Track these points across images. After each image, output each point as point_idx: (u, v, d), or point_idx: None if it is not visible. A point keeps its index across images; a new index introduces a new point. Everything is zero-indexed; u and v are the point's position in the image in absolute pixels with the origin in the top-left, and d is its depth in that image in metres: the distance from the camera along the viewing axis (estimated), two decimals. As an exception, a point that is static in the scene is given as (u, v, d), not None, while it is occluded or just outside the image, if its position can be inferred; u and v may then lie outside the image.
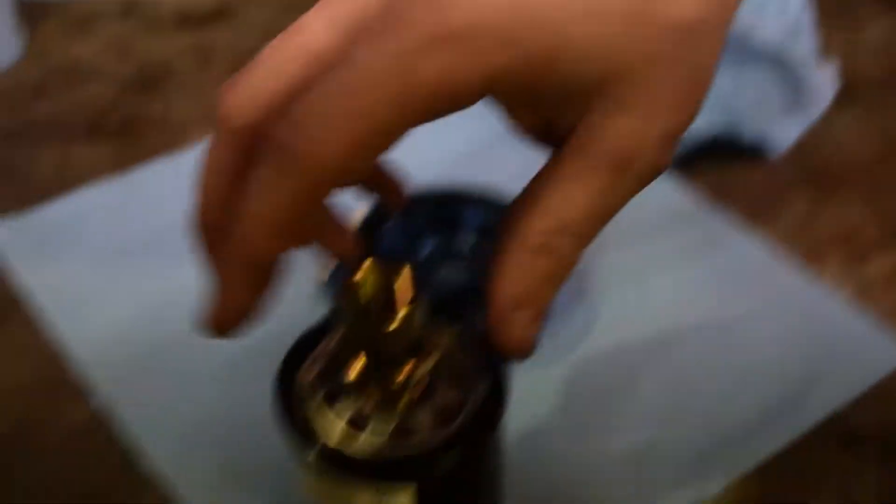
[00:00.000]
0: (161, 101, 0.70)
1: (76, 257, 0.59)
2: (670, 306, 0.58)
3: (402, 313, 0.39)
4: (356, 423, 0.40)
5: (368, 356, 0.40)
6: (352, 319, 0.40)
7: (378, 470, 0.39)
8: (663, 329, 0.57)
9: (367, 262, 0.39)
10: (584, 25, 0.33)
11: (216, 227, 0.37)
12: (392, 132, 0.32)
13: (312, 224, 0.40)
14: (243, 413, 0.49)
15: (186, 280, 0.54)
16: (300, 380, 0.42)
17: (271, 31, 0.72)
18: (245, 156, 0.36)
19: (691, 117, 0.35)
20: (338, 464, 0.39)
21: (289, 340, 0.43)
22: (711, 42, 0.36)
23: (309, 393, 0.41)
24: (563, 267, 0.37)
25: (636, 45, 0.34)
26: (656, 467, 0.50)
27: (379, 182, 0.44)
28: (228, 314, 0.38)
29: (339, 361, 0.42)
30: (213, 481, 0.49)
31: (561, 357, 0.55)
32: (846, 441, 0.51)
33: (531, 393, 0.47)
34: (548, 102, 0.35)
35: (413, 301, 0.39)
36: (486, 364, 0.42)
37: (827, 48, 0.74)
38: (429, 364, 0.42)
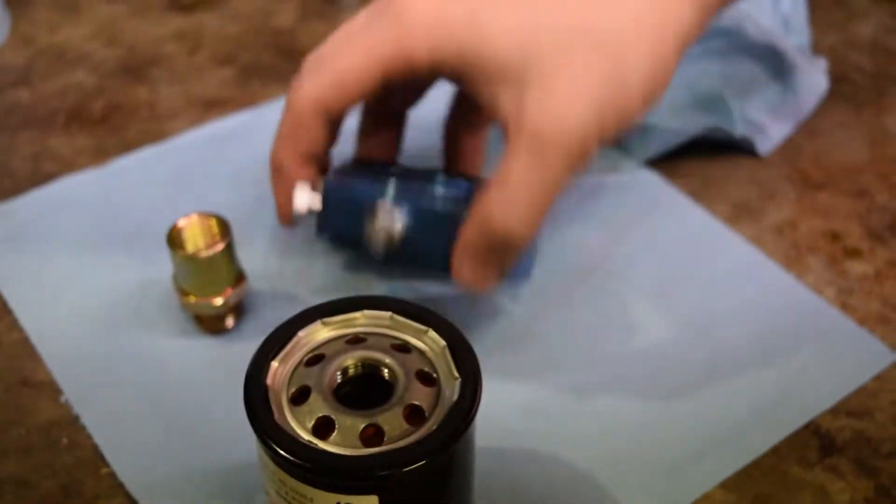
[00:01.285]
0: (148, 89, 0.69)
1: (49, 250, 0.59)
2: (650, 305, 0.58)
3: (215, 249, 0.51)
4: (321, 428, 0.40)
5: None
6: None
7: (340, 475, 0.39)
8: (641, 330, 0.57)
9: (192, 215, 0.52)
10: (506, 34, 0.47)
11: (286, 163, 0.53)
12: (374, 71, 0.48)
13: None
14: (222, 416, 0.49)
15: (163, 278, 0.55)
16: (270, 377, 0.42)
17: (258, 17, 0.72)
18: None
19: (586, 102, 0.45)
20: (301, 467, 0.38)
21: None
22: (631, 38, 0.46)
23: (277, 392, 0.41)
24: (507, 236, 0.47)
25: (547, 40, 0.46)
26: (624, 478, 0.49)
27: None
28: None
29: (310, 360, 0.42)
30: (176, 484, 0.48)
31: (533, 359, 0.55)
32: (821, 450, 0.52)
33: (500, 399, 0.47)
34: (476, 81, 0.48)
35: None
36: (458, 364, 0.42)
37: (818, 43, 0.74)
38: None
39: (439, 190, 0.52)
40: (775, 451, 0.51)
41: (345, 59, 0.49)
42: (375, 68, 0.48)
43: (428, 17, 0.46)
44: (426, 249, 0.52)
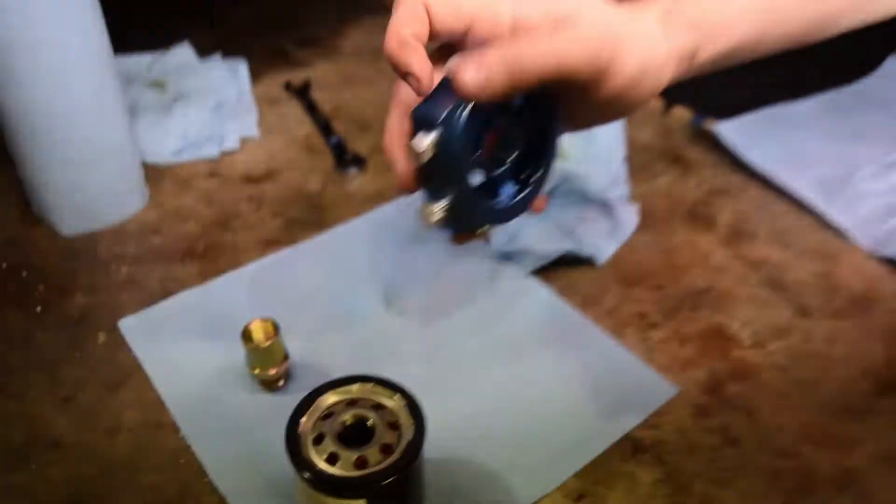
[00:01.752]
0: (231, 234, 0.69)
1: (173, 339, 0.59)
2: (521, 361, 0.58)
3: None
4: (331, 459, 0.41)
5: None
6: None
7: (341, 488, 0.41)
8: (517, 380, 0.57)
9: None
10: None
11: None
12: None
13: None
14: (270, 446, 0.49)
15: (240, 358, 0.55)
16: (301, 428, 0.42)
17: (297, 185, 0.72)
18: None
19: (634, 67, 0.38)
20: (319, 484, 0.40)
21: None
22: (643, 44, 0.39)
23: (305, 436, 0.42)
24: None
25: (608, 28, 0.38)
26: (517, 473, 0.51)
27: None
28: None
29: (325, 415, 0.44)
30: (250, 485, 0.50)
31: (454, 402, 0.55)
32: (633, 450, 0.53)
33: (436, 429, 0.46)
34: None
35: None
36: (412, 416, 0.43)
37: (634, 193, 0.74)
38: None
39: None
40: (606, 453, 0.52)
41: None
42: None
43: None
44: None
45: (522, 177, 0.41)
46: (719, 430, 0.53)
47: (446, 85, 0.37)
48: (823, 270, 0.67)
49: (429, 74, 0.38)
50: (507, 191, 0.41)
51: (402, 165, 0.40)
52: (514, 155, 0.41)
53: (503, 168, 0.40)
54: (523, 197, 0.41)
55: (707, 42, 0.41)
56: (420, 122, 0.37)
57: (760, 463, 0.51)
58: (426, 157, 0.37)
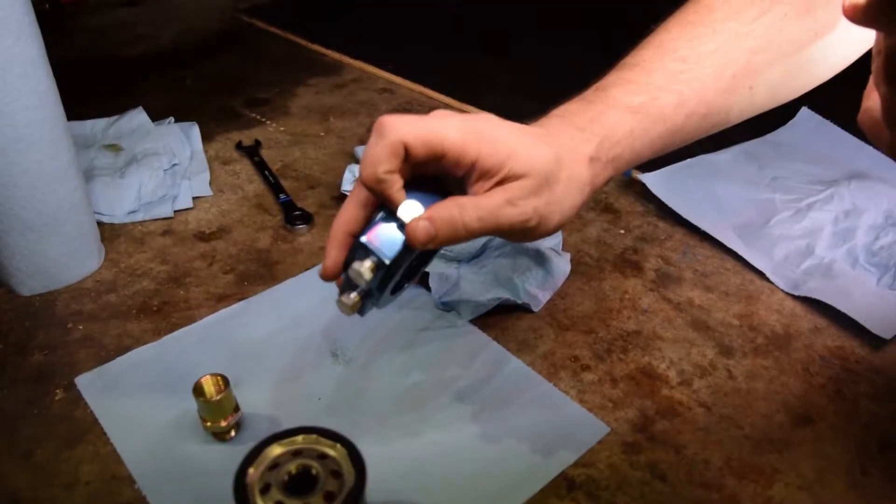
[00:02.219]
0: (184, 290, 0.69)
1: (128, 394, 0.59)
2: (462, 406, 0.59)
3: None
4: None
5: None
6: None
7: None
8: (457, 422, 0.58)
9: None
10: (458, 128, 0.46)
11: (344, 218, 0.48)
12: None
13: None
14: (222, 494, 0.49)
15: (193, 410, 0.55)
16: (248, 479, 0.43)
17: (248, 242, 0.73)
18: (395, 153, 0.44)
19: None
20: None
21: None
22: (564, 177, 0.49)
23: (252, 487, 0.42)
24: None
25: (500, 145, 0.46)
26: None
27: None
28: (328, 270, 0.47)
29: (271, 466, 0.44)
30: None
31: (395, 447, 0.56)
32: (567, 488, 0.53)
33: (378, 473, 0.49)
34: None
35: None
36: (353, 464, 0.44)
37: (566, 242, 0.76)
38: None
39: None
40: (542, 491, 0.53)
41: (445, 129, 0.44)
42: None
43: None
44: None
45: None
46: (648, 466, 0.55)
47: (386, 214, 0.46)
48: (745, 311, 0.70)
49: (399, 201, 0.45)
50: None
51: (333, 257, 0.47)
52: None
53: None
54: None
55: (616, 171, 0.52)
56: (366, 250, 0.46)
57: (688, 496, 0.53)
58: (364, 280, 0.46)
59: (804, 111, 1.00)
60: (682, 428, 0.58)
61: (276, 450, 0.45)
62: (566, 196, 0.49)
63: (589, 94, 0.53)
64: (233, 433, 0.56)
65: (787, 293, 0.72)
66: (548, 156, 0.47)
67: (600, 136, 0.50)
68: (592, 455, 0.56)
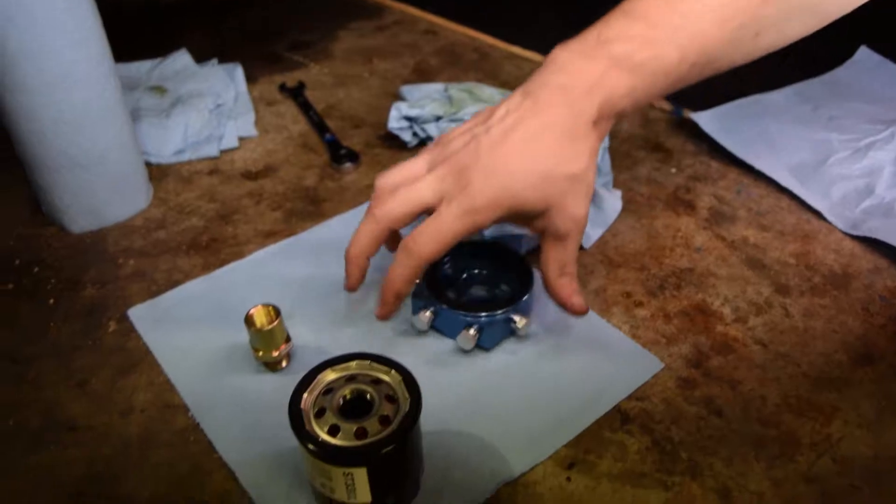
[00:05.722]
0: (232, 227, 0.69)
1: (180, 326, 0.59)
2: (515, 338, 0.59)
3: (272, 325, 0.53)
4: (332, 431, 0.41)
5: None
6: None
7: (344, 457, 0.41)
8: (512, 358, 0.58)
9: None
10: (529, 191, 0.49)
11: (359, 259, 0.54)
12: (451, 240, 0.49)
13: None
14: (274, 422, 0.49)
15: (244, 342, 0.55)
16: (303, 403, 0.43)
17: (295, 180, 0.73)
18: (380, 235, 0.53)
19: (584, 210, 0.51)
20: (321, 454, 0.40)
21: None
22: (588, 176, 0.51)
23: (307, 411, 0.42)
24: (571, 273, 0.53)
25: (554, 189, 0.49)
26: (511, 444, 0.51)
27: None
28: (386, 311, 0.55)
29: (325, 391, 0.43)
30: (258, 461, 0.50)
31: (449, 379, 0.56)
32: (622, 421, 0.53)
33: (433, 404, 0.47)
34: (530, 219, 0.51)
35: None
36: (408, 390, 0.43)
37: (616, 180, 0.75)
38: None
39: None
40: (596, 423, 0.52)
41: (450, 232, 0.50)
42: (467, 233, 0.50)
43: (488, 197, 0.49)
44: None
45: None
46: (704, 402, 0.54)
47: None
48: (801, 250, 0.68)
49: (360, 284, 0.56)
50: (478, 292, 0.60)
51: (353, 279, 0.55)
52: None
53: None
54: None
55: (618, 121, 0.54)
56: (421, 305, 0.57)
57: (744, 431, 0.52)
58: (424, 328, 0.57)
59: (863, 50, 0.96)
60: (738, 364, 0.57)
61: (329, 375, 0.45)
62: (588, 185, 0.52)
63: (591, 44, 0.52)
64: (284, 364, 0.56)
65: (846, 233, 0.70)
66: (571, 203, 0.51)
67: (602, 98, 0.50)
68: (646, 389, 0.55)
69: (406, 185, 0.52)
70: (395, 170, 0.54)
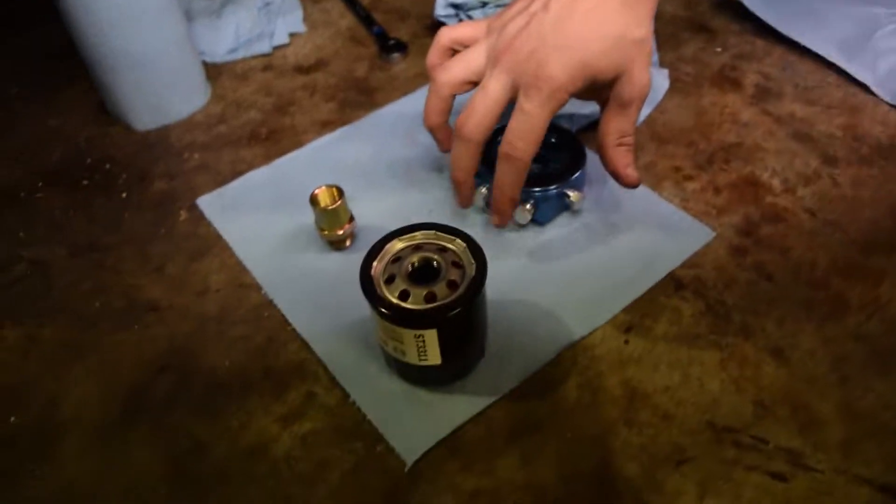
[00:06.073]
0: (289, 118, 0.69)
1: (247, 212, 0.59)
2: (573, 218, 0.58)
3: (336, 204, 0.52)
4: (402, 296, 0.41)
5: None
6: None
7: (415, 320, 0.41)
8: (568, 229, 0.57)
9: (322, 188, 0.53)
10: (603, 58, 0.47)
11: (438, 128, 0.54)
12: (543, 129, 0.47)
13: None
14: (343, 296, 0.49)
15: (310, 224, 0.55)
16: (373, 270, 0.43)
17: (346, 73, 0.71)
18: (446, 104, 0.53)
19: (648, 77, 0.48)
20: (393, 317, 0.40)
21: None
22: (649, 43, 0.48)
23: (377, 278, 0.42)
24: (629, 143, 0.51)
25: (624, 55, 0.47)
26: (570, 310, 0.50)
27: None
28: (504, 220, 0.53)
29: (393, 259, 0.43)
30: (329, 331, 0.50)
31: (508, 252, 0.55)
32: (675, 287, 0.52)
33: (495, 276, 0.47)
34: (599, 89, 0.49)
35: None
36: (474, 256, 0.43)
37: (662, 59, 0.73)
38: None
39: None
40: (651, 290, 0.52)
41: (539, 122, 0.48)
42: (554, 111, 0.48)
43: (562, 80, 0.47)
44: None
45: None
46: (755, 268, 0.53)
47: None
48: (848, 123, 0.65)
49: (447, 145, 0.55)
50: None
51: (444, 144, 0.55)
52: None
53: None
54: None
55: None
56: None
57: (794, 294, 0.51)
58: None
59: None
60: (788, 232, 0.56)
61: (397, 245, 0.45)
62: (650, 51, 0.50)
63: None
64: (348, 242, 0.56)
65: (893, 105, 0.67)
66: (639, 69, 0.49)
67: None
68: (699, 258, 0.54)
69: (463, 57, 0.51)
70: (453, 62, 0.52)
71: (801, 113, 0.67)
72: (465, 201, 0.54)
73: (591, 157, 0.57)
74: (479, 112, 0.49)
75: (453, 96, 0.52)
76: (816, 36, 0.74)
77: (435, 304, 0.41)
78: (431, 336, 0.41)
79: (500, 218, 0.52)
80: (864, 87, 0.69)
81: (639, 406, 0.45)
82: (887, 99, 0.68)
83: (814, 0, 0.79)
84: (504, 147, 0.48)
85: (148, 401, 0.48)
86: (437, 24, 0.80)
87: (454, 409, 0.45)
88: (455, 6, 0.78)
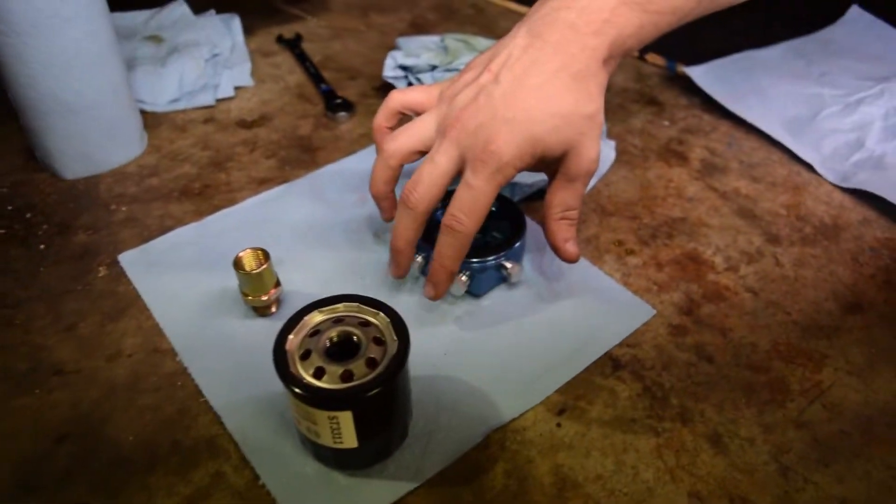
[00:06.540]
0: (225, 174, 0.66)
1: (170, 271, 0.56)
2: (507, 285, 0.56)
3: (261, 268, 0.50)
4: (317, 374, 0.39)
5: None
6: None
7: (329, 401, 0.38)
8: (503, 303, 0.55)
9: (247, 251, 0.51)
10: (552, 134, 0.45)
11: (383, 196, 0.52)
12: (489, 204, 0.46)
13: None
14: (262, 367, 0.47)
15: (234, 287, 0.53)
16: (288, 345, 0.40)
17: (290, 129, 0.69)
18: (393, 173, 0.51)
19: (598, 152, 0.47)
20: (305, 396, 0.38)
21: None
22: (600, 116, 0.47)
23: (292, 353, 0.40)
24: (573, 218, 0.50)
25: (574, 130, 0.46)
26: (501, 389, 0.48)
27: None
28: (440, 291, 0.50)
29: (312, 333, 0.41)
30: (243, 405, 0.47)
31: (439, 324, 0.53)
32: (613, 367, 0.50)
33: (422, 349, 0.45)
34: (548, 163, 0.48)
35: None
36: (396, 332, 0.40)
37: (610, 131, 0.72)
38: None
39: None
40: (587, 370, 0.50)
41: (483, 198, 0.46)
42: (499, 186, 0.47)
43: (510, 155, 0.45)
44: None
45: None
46: (695, 348, 0.51)
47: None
48: (792, 201, 0.65)
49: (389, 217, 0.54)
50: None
51: (386, 213, 0.54)
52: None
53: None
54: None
55: (624, 57, 0.51)
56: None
57: (734, 378, 0.49)
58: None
59: (854, 9, 0.92)
60: (729, 312, 0.54)
61: (317, 317, 0.42)
62: (600, 125, 0.49)
63: None
64: (274, 309, 0.53)
65: (836, 185, 0.67)
66: (588, 144, 0.47)
67: (612, 37, 0.47)
68: (638, 336, 0.52)
69: (412, 127, 0.50)
70: (402, 131, 0.50)
71: (745, 189, 0.66)
72: (400, 271, 0.51)
73: (533, 228, 0.55)
74: (425, 183, 0.47)
75: (401, 165, 0.50)
76: (763, 114, 0.74)
77: (350, 385, 0.38)
78: (346, 418, 0.38)
79: (435, 290, 0.50)
80: (808, 166, 0.69)
81: (568, 496, 0.43)
82: (831, 179, 0.67)
83: (761, 78, 0.79)
84: (447, 219, 0.46)
85: (43, 474, 0.44)
86: (385, 86, 0.79)
87: (373, 496, 0.41)
88: (404, 68, 0.76)
